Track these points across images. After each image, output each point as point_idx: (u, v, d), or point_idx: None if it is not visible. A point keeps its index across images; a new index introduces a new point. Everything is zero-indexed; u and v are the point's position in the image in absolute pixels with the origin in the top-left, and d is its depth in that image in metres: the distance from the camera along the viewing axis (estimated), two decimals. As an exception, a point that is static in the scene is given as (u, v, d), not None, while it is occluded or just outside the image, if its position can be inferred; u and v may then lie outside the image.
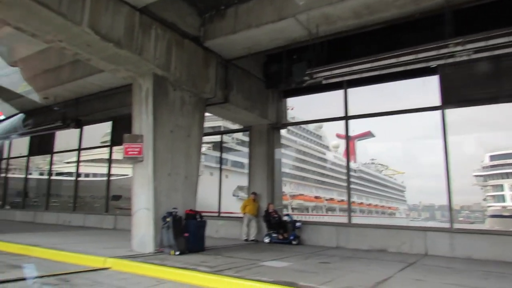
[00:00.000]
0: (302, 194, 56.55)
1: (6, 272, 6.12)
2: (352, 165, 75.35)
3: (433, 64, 7.60)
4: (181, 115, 8.77)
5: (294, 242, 10.45)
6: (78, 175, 18.30)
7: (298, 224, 10.62)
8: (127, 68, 7.96)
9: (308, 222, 11.23)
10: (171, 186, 8.40)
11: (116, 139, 15.77)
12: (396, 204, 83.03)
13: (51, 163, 18.90)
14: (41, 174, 30.81)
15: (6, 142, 20.37)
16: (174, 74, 8.37)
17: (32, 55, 10.75)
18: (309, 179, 59.64)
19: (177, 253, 7.71)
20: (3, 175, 22.28)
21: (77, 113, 14.21)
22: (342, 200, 67.54)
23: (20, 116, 16.08)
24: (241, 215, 11.74)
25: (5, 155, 21.98)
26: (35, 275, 5.86)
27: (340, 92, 11.19)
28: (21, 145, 20.95)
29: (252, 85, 11.08)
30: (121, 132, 15.54)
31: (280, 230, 10.79)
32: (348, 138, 11.01)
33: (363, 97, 12.38)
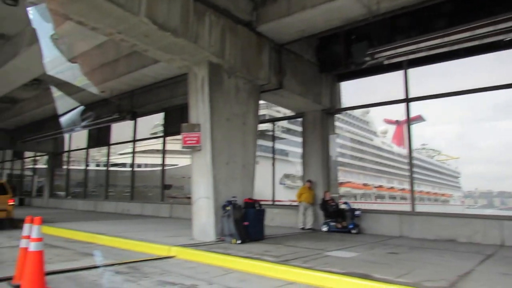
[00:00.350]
0: (349, 182, 55.33)
1: (79, 260, 6.36)
2: (402, 151, 72.79)
3: (512, 36, 6.87)
4: (236, 103, 8.65)
5: (353, 231, 10.09)
6: (133, 165, 18.92)
7: (357, 212, 10.22)
8: (183, 57, 7.92)
9: (368, 210, 10.78)
10: (229, 174, 8.34)
11: (168, 130, 16.10)
12: (449, 191, 79.45)
13: (108, 155, 19.71)
14: (97, 165, 32.50)
15: (67, 136, 21.49)
16: (229, 61, 8.23)
17: (90, 51, 11.12)
18: (357, 166, 58.20)
19: (239, 241, 7.66)
20: (65, 167, 23.63)
21: (132, 106, 14.59)
22: (392, 188, 65.49)
23: (78, 110, 16.81)
24: (295, 203, 11.56)
25: (66, 148, 23.25)
26: (106, 263, 6.05)
27: (399, 73, 10.52)
28: (79, 138, 22.08)
29: (305, 70, 10.72)
30: (172, 123, 15.94)
31: (339, 219, 10.46)
32: (409, 122, 10.33)
33: (423, 78, 11.65)
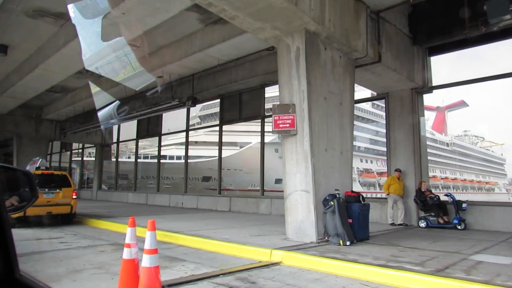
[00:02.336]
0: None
1: (170, 267, 5.32)
2: (444, 138, 69.33)
3: None
4: (332, 79, 7.35)
5: (459, 227, 8.69)
6: (186, 157, 17.90)
7: (464, 205, 8.78)
8: (274, 25, 6.67)
9: (476, 202, 9.30)
10: (328, 163, 7.09)
11: (224, 117, 15.04)
12: (494, 179, 75.74)
13: (159, 146, 18.89)
14: (139, 157, 32.16)
15: (115, 127, 20.90)
16: (328, 29, 6.89)
17: (150, 31, 10.11)
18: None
19: (348, 243, 6.44)
20: (113, 159, 23.14)
21: (191, 91, 13.52)
22: (435, 176, 62.39)
23: (115, 103, 15.98)
24: (380, 195, 10.20)
25: (114, 140, 22.68)
26: (208, 273, 4.97)
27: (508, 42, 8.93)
28: (126, 129, 21.48)
29: (398, 42, 9.23)
30: (229, 110, 14.84)
31: (440, 213, 9.05)
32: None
33: None
